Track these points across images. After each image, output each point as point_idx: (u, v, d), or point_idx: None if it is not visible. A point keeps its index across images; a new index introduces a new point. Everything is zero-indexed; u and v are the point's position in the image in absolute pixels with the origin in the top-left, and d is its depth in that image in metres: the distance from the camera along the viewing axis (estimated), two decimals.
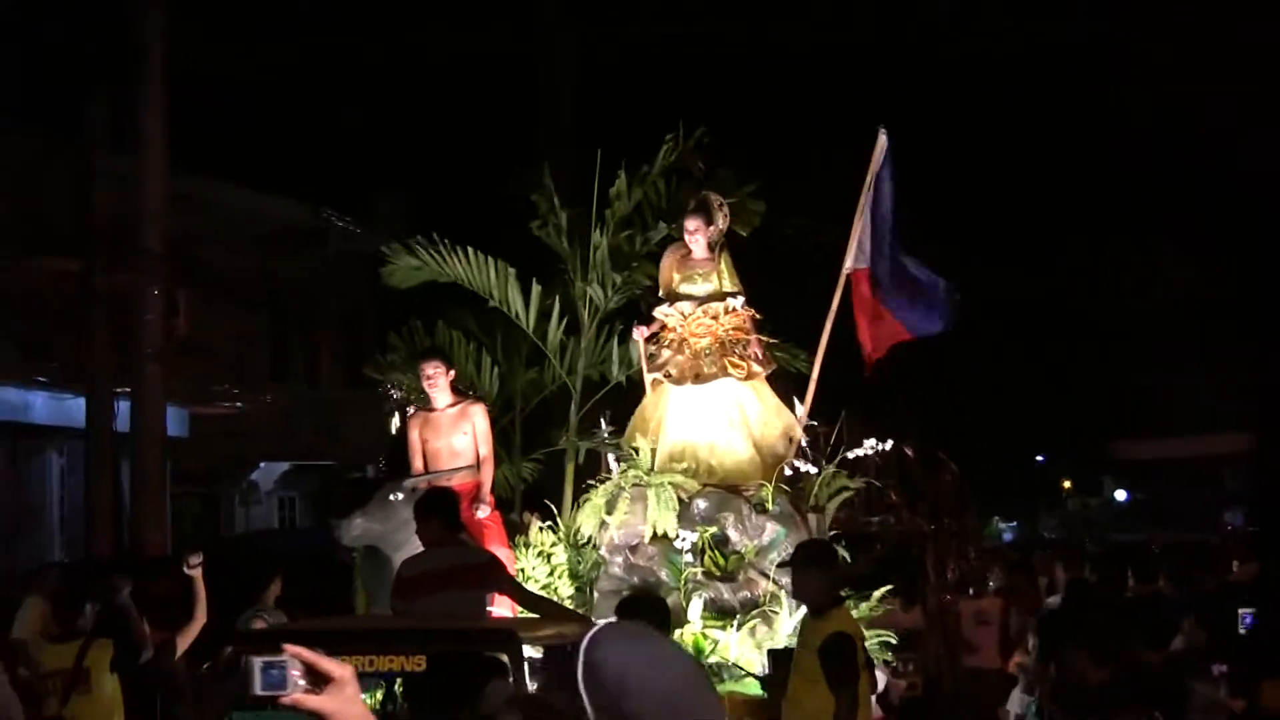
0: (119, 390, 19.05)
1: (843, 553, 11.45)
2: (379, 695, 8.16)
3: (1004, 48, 29.45)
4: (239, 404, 24.22)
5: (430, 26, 26.50)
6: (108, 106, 20.20)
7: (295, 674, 2.71)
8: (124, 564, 13.87)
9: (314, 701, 2.71)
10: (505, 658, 6.83)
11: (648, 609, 7.09)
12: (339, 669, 2.72)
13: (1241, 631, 7.91)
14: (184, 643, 9.90)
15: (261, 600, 11.23)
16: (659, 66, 26.40)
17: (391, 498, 9.94)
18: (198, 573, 9.88)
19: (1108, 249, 33.32)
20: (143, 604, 10.52)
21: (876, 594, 11.19)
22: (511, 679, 6.69)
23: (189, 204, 20.28)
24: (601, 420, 12.54)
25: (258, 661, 2.71)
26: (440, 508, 8.33)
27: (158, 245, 17.93)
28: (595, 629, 2.84)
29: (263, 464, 27.08)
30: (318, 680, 2.72)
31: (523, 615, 8.58)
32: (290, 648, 2.72)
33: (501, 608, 9.10)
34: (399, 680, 7.83)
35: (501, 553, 10.01)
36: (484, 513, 10.55)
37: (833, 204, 12.05)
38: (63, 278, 20.16)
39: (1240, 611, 7.87)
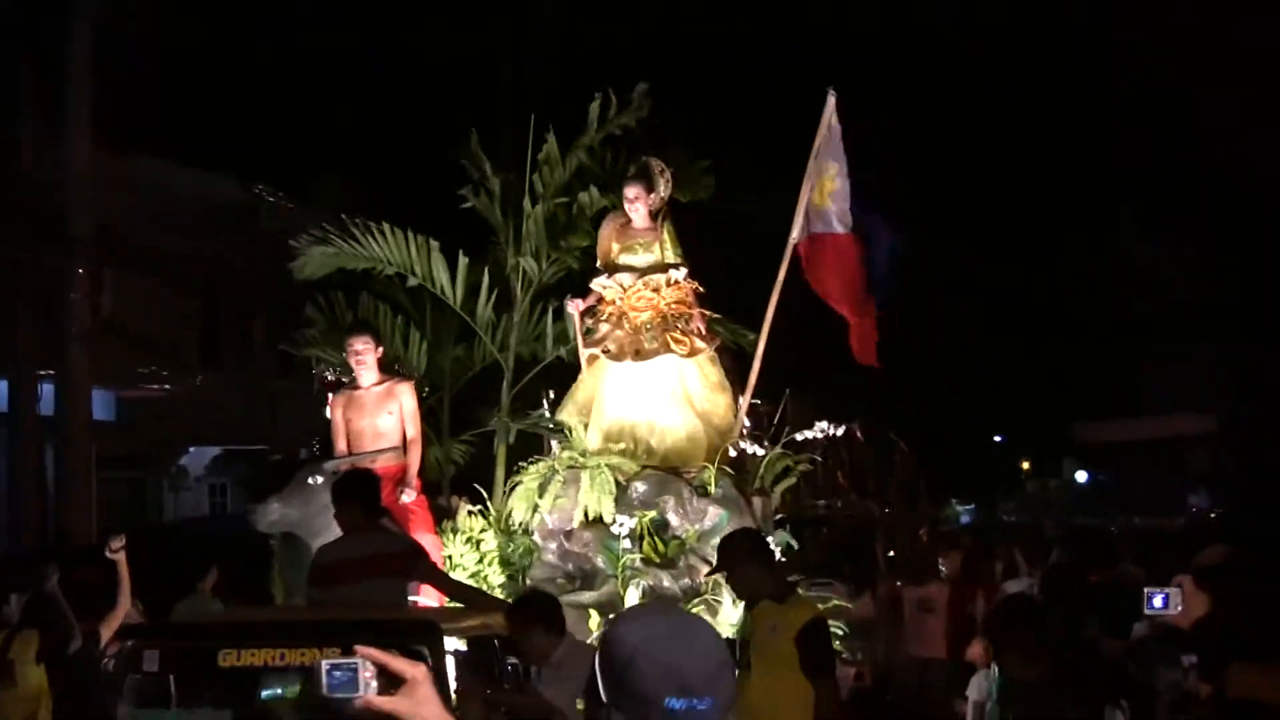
0: (42, 373, 18.47)
1: (789, 538, 11.02)
2: (295, 690, 7.68)
3: (1004, 46, 29.23)
4: (167, 386, 23.67)
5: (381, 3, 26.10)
6: (38, 83, 19.58)
7: (366, 675, 2.67)
8: (53, 551, 13.44)
9: (387, 703, 2.67)
10: (426, 650, 6.34)
11: (537, 610, 6.54)
12: (411, 669, 2.69)
13: (1148, 613, 7.47)
14: (108, 631, 9.50)
15: (199, 590, 10.85)
16: (615, 45, 25.93)
17: (310, 481, 9.38)
18: (121, 556, 9.50)
19: (1065, 232, 33.28)
20: (69, 592, 10.10)
21: (833, 600, 10.77)
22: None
23: (118, 182, 19.70)
24: (544, 400, 12.03)
25: (325, 663, 2.67)
26: (359, 491, 7.89)
27: (84, 223, 17.39)
28: (624, 610, 2.82)
29: (192, 449, 26.52)
30: (390, 681, 2.67)
31: (448, 605, 8.10)
32: (361, 648, 2.68)
33: (428, 597, 8.69)
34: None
35: (427, 539, 9.61)
36: (409, 497, 10.10)
37: (796, 183, 11.47)
38: None
39: (1147, 591, 7.43)
